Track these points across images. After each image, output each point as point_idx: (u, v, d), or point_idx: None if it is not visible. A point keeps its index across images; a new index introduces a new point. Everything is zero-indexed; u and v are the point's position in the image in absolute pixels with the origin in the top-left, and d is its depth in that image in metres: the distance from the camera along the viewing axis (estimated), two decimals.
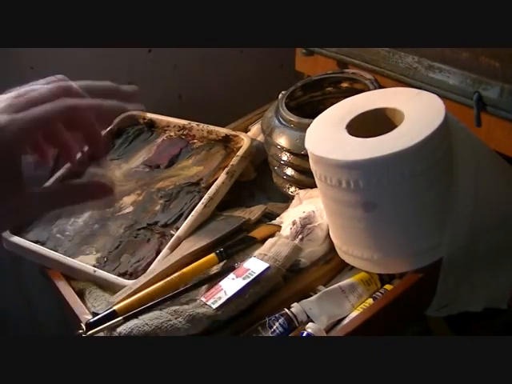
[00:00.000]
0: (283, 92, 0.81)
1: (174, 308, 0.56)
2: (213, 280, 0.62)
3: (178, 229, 0.70)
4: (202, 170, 0.78)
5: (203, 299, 0.58)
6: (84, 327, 0.56)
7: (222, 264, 0.65)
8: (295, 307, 0.59)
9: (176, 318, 0.55)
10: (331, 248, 0.66)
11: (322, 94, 0.83)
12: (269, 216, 0.73)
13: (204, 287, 0.62)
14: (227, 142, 0.82)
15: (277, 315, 0.58)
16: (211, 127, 0.84)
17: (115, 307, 0.58)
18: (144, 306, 0.58)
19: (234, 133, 0.82)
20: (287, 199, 0.76)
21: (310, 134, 0.63)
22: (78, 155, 0.46)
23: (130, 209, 0.76)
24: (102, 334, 0.56)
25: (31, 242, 0.73)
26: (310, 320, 0.58)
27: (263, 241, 0.66)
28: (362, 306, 0.61)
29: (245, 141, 0.80)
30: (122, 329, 0.55)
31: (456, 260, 0.59)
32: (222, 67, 1.20)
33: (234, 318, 0.58)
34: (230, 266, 0.64)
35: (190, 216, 0.71)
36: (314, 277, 0.64)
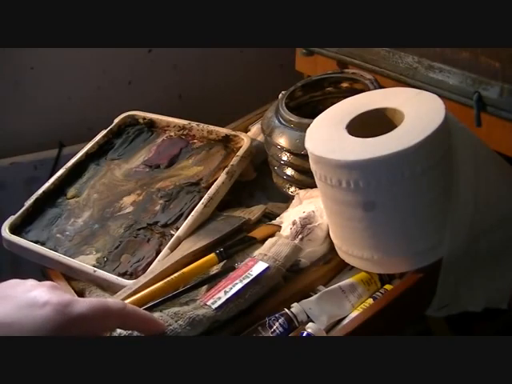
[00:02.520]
0: (283, 92, 0.81)
1: (174, 310, 0.56)
2: (213, 280, 0.62)
3: (178, 229, 0.70)
4: (202, 170, 0.78)
5: (203, 299, 0.58)
6: None
7: (222, 264, 0.65)
8: (295, 307, 0.59)
9: (176, 322, 0.54)
10: (331, 248, 0.65)
11: (322, 93, 0.83)
12: (269, 216, 0.73)
13: (204, 287, 0.62)
14: (227, 142, 0.82)
15: (277, 315, 0.58)
16: (211, 127, 0.84)
17: None
18: (144, 306, 0.58)
19: (234, 133, 0.82)
20: (287, 199, 0.76)
21: (310, 134, 0.63)
22: None
23: (130, 209, 0.76)
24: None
25: (31, 242, 0.73)
26: (310, 320, 0.58)
27: (263, 241, 0.66)
28: (362, 306, 0.61)
29: (245, 141, 0.80)
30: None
31: (456, 260, 0.59)
32: (222, 67, 1.20)
33: (233, 318, 0.58)
34: (230, 266, 0.64)
35: (190, 216, 0.71)
36: (313, 277, 0.64)
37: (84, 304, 0.46)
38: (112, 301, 0.50)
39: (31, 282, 0.48)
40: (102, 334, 0.50)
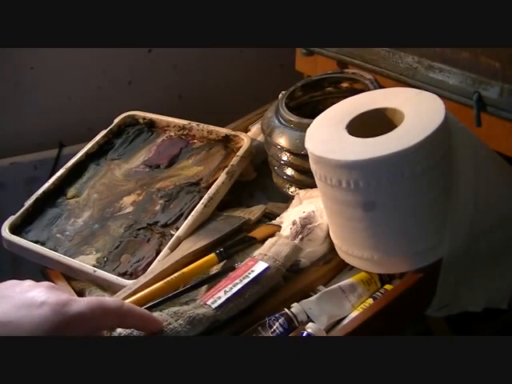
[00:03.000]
0: (283, 92, 0.81)
1: (174, 309, 0.56)
2: (213, 280, 0.62)
3: (178, 229, 0.70)
4: (202, 170, 0.78)
5: (203, 299, 0.58)
6: None
7: (222, 264, 0.65)
8: (295, 307, 0.59)
9: (176, 321, 0.54)
10: (331, 248, 0.65)
11: (322, 93, 0.83)
12: (269, 216, 0.73)
13: (204, 287, 0.62)
14: (227, 142, 0.82)
15: (277, 315, 0.58)
16: (211, 127, 0.84)
17: None
18: (144, 306, 0.58)
19: (234, 133, 0.82)
20: (287, 199, 0.76)
21: (310, 134, 0.63)
22: None
23: (130, 209, 0.76)
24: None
25: (31, 242, 0.73)
26: (310, 320, 0.58)
27: (263, 241, 0.66)
28: (362, 306, 0.61)
29: (245, 141, 0.80)
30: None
31: (456, 260, 0.59)
32: (222, 67, 1.20)
33: (233, 317, 0.58)
34: (230, 266, 0.64)
35: (189, 216, 0.71)
36: (313, 277, 0.64)
37: (81, 303, 0.46)
38: (110, 299, 0.50)
39: (29, 282, 0.48)
40: (100, 332, 0.50)
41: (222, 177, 0.75)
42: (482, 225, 0.60)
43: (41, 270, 0.73)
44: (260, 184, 0.82)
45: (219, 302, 0.57)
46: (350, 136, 0.60)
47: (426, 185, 0.57)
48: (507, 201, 0.64)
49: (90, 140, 0.87)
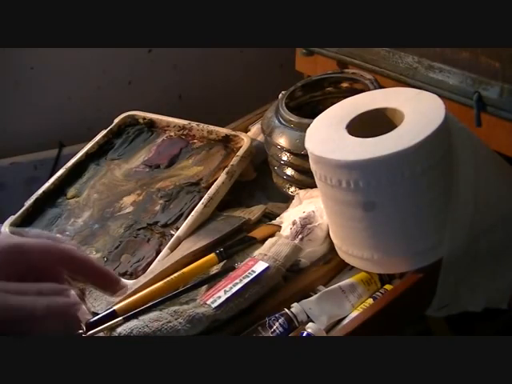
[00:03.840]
0: (283, 92, 0.81)
1: (173, 308, 0.56)
2: (213, 280, 0.62)
3: (178, 229, 0.70)
4: (202, 170, 0.78)
5: (203, 298, 0.58)
6: (84, 327, 0.56)
7: (222, 264, 0.65)
8: (295, 307, 0.59)
9: (176, 319, 0.55)
10: (331, 248, 0.65)
11: (322, 93, 0.83)
12: (269, 216, 0.73)
13: (204, 287, 0.62)
14: (227, 142, 0.82)
15: (277, 315, 0.58)
16: (211, 127, 0.84)
17: (115, 307, 0.58)
18: (144, 306, 0.58)
19: (234, 133, 0.82)
20: (287, 199, 0.76)
21: (310, 134, 0.63)
22: None
23: (130, 209, 0.76)
24: (102, 334, 0.56)
25: None
26: (310, 320, 0.58)
27: (263, 241, 0.66)
28: (362, 306, 0.61)
29: (245, 141, 0.80)
30: (122, 329, 0.55)
31: (456, 260, 0.59)
32: (222, 67, 1.20)
33: (234, 317, 0.58)
34: (230, 266, 0.64)
35: (189, 216, 0.71)
36: (313, 277, 0.64)
37: (27, 239, 0.45)
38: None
39: None
40: (48, 273, 0.48)
41: (222, 177, 0.75)
42: (481, 225, 0.60)
43: None
44: (260, 184, 0.82)
45: (219, 301, 0.57)
46: (350, 136, 0.60)
47: (425, 185, 0.57)
48: (507, 201, 0.64)
49: (90, 140, 0.87)
